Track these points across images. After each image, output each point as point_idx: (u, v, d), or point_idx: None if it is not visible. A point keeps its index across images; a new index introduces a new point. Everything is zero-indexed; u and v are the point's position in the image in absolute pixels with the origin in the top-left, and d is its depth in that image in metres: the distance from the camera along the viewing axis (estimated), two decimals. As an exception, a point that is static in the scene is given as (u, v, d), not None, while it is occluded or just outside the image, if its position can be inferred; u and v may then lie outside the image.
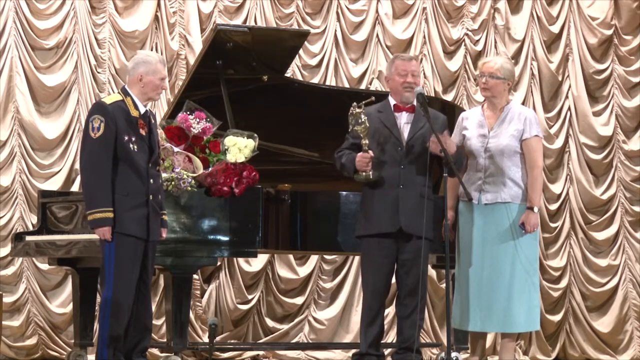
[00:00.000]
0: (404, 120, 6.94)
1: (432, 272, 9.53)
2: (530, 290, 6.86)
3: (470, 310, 6.88)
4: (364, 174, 6.84)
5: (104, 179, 6.27)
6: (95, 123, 6.31)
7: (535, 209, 6.85)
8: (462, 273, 6.93)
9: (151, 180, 6.41)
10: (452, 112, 7.71)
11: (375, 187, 6.91)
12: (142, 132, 6.41)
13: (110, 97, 6.53)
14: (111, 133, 6.30)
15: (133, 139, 6.35)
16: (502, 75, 6.87)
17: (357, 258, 9.70)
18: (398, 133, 6.90)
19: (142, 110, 6.45)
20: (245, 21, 9.57)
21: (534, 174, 6.88)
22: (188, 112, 7.11)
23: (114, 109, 6.34)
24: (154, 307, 8.33)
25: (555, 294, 10.18)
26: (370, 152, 6.82)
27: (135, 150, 6.35)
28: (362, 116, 6.82)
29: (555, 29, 10.31)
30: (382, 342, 7.05)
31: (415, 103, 6.91)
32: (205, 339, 9.05)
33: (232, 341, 9.49)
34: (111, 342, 6.32)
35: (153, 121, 6.55)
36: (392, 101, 6.99)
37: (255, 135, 7.16)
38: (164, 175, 6.76)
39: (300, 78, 9.53)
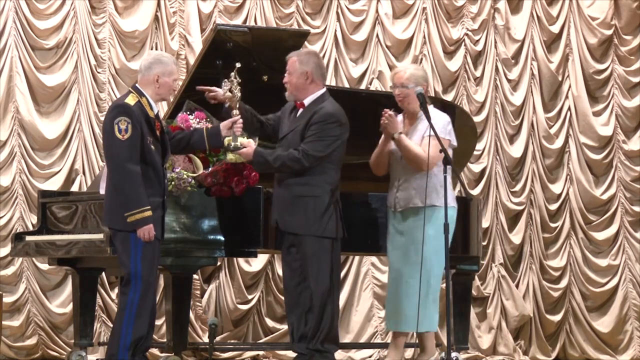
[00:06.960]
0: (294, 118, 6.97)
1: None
2: (428, 292, 6.91)
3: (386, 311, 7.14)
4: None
5: (137, 179, 6.20)
6: (122, 125, 6.23)
7: (396, 135, 6.90)
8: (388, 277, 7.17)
9: (165, 181, 6.42)
10: (452, 112, 7.69)
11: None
12: (158, 132, 6.39)
13: (130, 98, 6.38)
14: (137, 134, 6.25)
15: (152, 139, 6.33)
16: (413, 83, 6.95)
17: (357, 258, 9.70)
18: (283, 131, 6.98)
19: (156, 110, 6.42)
20: (245, 21, 9.57)
21: (421, 158, 6.87)
22: (188, 112, 7.11)
23: (136, 110, 6.30)
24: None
25: (555, 294, 10.18)
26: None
27: (154, 151, 6.34)
28: (232, 82, 6.81)
29: (555, 29, 10.31)
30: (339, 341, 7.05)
31: (305, 102, 6.91)
32: (205, 339, 9.05)
33: (232, 341, 9.49)
34: (133, 344, 6.26)
35: (162, 122, 6.55)
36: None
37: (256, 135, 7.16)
38: (164, 174, 6.77)
39: (300, 78, 9.52)
